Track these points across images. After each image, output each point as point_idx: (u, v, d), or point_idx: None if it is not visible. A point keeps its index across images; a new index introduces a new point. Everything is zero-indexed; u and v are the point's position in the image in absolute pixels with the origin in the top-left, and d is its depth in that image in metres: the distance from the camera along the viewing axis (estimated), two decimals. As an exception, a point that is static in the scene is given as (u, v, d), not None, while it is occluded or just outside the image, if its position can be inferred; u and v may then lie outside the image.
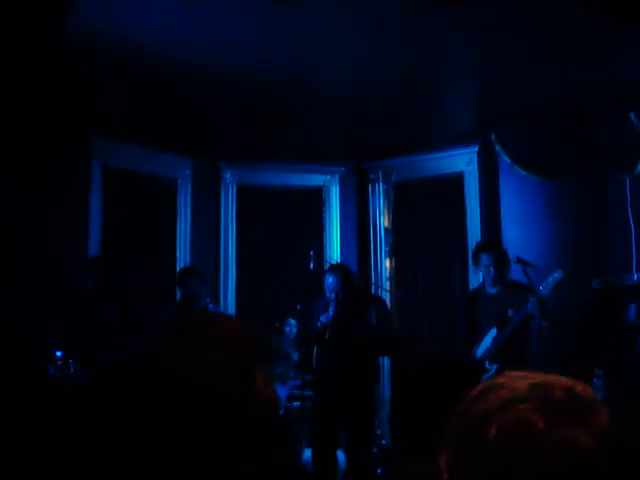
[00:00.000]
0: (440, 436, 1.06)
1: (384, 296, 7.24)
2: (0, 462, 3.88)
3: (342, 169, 8.43)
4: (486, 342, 5.41)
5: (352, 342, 5.57)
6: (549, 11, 4.52)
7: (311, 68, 5.59)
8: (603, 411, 0.96)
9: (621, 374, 5.47)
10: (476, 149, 7.65)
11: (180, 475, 1.48)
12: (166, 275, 7.54)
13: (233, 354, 1.55)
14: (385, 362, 7.72)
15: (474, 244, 6.56)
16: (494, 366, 5.22)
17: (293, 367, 6.95)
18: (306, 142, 7.63)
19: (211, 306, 6.43)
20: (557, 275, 5.18)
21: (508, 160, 7.25)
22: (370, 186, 8.38)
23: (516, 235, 7.01)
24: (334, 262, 7.00)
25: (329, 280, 5.73)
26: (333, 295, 5.67)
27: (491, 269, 5.52)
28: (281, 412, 6.41)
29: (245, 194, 8.28)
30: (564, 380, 1.01)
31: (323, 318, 5.63)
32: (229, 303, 7.98)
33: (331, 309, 5.62)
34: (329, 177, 8.41)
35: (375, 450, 6.40)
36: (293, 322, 7.53)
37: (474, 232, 7.56)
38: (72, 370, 5.07)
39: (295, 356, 7.17)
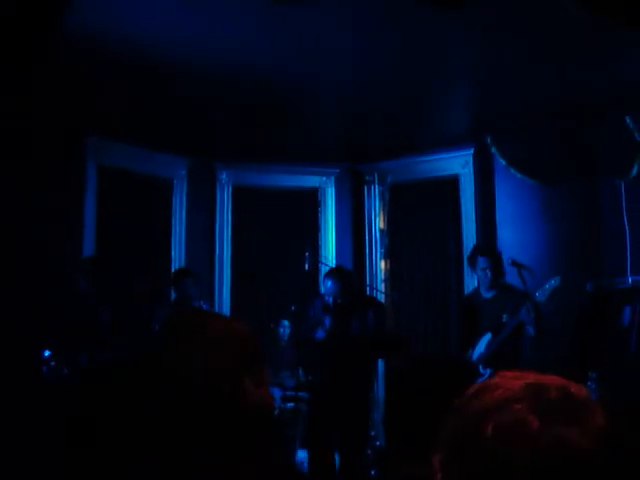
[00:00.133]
0: (434, 437, 1.06)
1: (379, 298, 7.25)
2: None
3: (337, 171, 8.44)
4: (480, 347, 5.41)
5: (349, 345, 5.59)
6: (549, 11, 4.52)
7: (310, 68, 5.59)
8: (598, 411, 0.97)
9: (615, 377, 5.48)
10: (472, 152, 7.67)
11: (180, 475, 1.48)
12: (161, 276, 7.52)
13: (233, 354, 1.54)
14: (379, 364, 7.72)
15: (469, 246, 6.57)
16: (488, 370, 5.22)
17: (287, 368, 6.95)
18: (302, 143, 7.63)
19: (205, 307, 6.41)
20: (554, 282, 5.17)
21: (504, 163, 7.27)
22: (366, 188, 8.38)
23: (511, 238, 7.03)
24: (333, 265, 7.02)
25: (328, 284, 5.77)
26: (331, 299, 5.72)
27: (488, 272, 5.51)
28: (275, 413, 6.40)
29: (240, 195, 8.27)
30: (558, 380, 1.01)
31: (320, 333, 5.67)
32: (223, 304, 7.97)
33: (327, 321, 5.67)
34: (324, 178, 8.41)
35: (369, 451, 6.40)
36: (287, 323, 7.53)
37: (469, 234, 7.58)
38: (65, 371, 5.05)
39: (288, 356, 7.18)
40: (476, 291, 5.81)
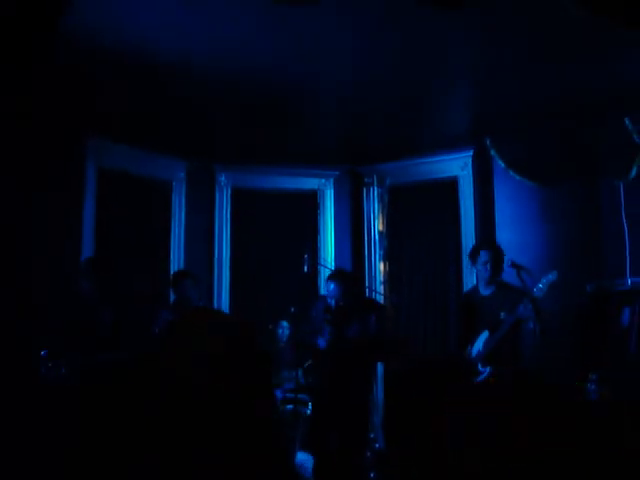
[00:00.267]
0: (433, 440, 1.07)
1: (378, 299, 7.25)
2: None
3: (337, 173, 8.45)
4: (478, 345, 5.40)
5: (349, 348, 5.61)
6: (549, 11, 4.54)
7: (310, 68, 5.59)
8: None
9: (615, 378, 5.48)
10: (471, 154, 7.69)
11: (180, 475, 1.47)
12: (160, 277, 7.51)
13: (237, 355, 1.54)
14: (379, 367, 7.72)
15: (469, 248, 6.57)
16: (487, 368, 5.22)
17: (286, 369, 6.95)
18: (302, 145, 7.64)
19: (205, 309, 6.41)
20: (551, 276, 5.17)
21: (503, 165, 7.28)
22: (365, 190, 8.39)
23: (510, 239, 7.02)
24: (332, 267, 7.02)
25: (330, 286, 5.79)
26: (333, 301, 5.73)
27: (488, 266, 5.49)
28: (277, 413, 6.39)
29: (239, 197, 8.28)
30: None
31: (321, 342, 5.71)
32: (222, 305, 7.97)
33: (326, 331, 5.69)
34: (324, 180, 8.42)
35: (368, 454, 6.39)
36: (285, 324, 7.53)
37: (468, 236, 7.59)
38: (63, 370, 5.03)
39: (287, 357, 7.17)
40: (474, 289, 5.81)
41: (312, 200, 8.45)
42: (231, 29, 4.94)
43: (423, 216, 8.09)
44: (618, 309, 6.25)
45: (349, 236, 8.42)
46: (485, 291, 5.58)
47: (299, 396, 6.63)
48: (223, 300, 8.01)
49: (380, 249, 8.24)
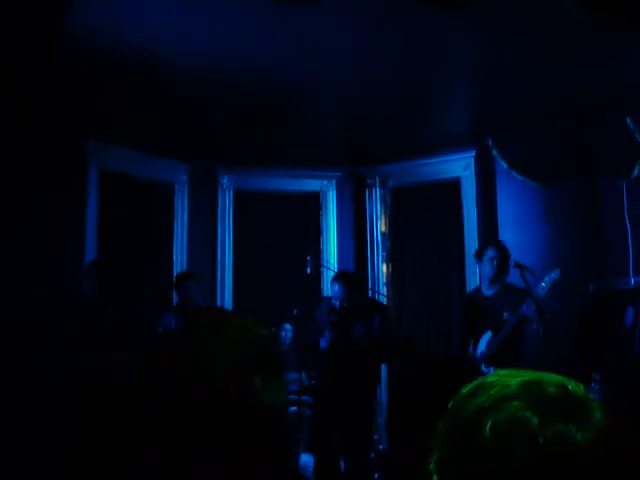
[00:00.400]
0: (434, 439, 1.05)
1: (381, 300, 7.25)
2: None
3: (339, 174, 8.45)
4: (481, 345, 5.39)
5: (352, 349, 5.61)
6: (549, 11, 4.53)
7: (310, 68, 5.59)
8: (597, 408, 0.95)
9: (618, 378, 5.46)
10: (473, 154, 7.68)
11: (180, 475, 1.46)
12: (163, 279, 7.52)
13: (244, 354, 1.53)
14: (382, 369, 7.71)
15: (471, 249, 6.57)
16: (490, 369, 5.21)
17: (290, 371, 6.94)
18: (303, 147, 7.63)
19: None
20: (554, 275, 5.15)
21: (505, 165, 7.28)
22: (367, 191, 8.39)
23: (513, 239, 6.98)
24: (335, 269, 7.03)
25: (335, 288, 5.81)
26: (337, 302, 5.74)
27: (495, 263, 5.46)
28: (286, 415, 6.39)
29: (242, 199, 8.28)
30: (556, 377, 1.00)
31: (322, 342, 5.70)
32: (225, 307, 7.96)
33: (328, 333, 5.70)
34: (326, 182, 8.42)
35: (372, 455, 6.38)
36: (289, 327, 7.53)
37: (471, 237, 7.58)
38: (64, 371, 5.04)
39: (291, 359, 7.16)
40: (477, 289, 5.79)
41: (314, 201, 8.44)
42: (231, 29, 4.94)
43: (426, 217, 8.08)
44: (621, 309, 6.23)
45: (352, 237, 8.42)
46: (488, 291, 5.56)
47: (303, 398, 6.63)
48: (226, 302, 8.01)
49: (383, 250, 8.24)
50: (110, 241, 7.18)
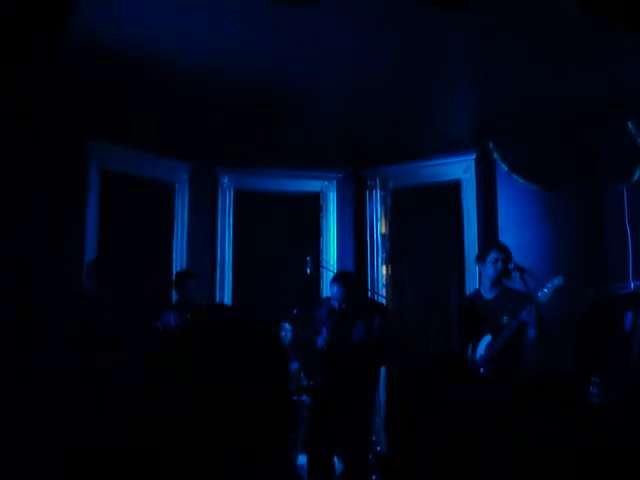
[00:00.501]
0: (434, 444, 1.06)
1: (381, 301, 7.25)
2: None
3: (340, 175, 8.46)
4: (480, 349, 5.37)
5: (351, 350, 5.61)
6: (549, 11, 4.52)
7: (310, 68, 5.59)
8: None
9: (617, 381, 5.45)
10: (474, 157, 7.69)
11: (183, 471, 1.47)
12: (162, 279, 7.52)
13: (257, 353, 1.53)
14: (381, 369, 7.70)
15: (471, 251, 6.57)
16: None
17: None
18: (304, 147, 7.64)
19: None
20: (557, 281, 5.10)
21: (505, 168, 7.28)
22: (367, 192, 8.40)
23: (513, 242, 6.94)
24: (335, 270, 7.03)
25: (334, 289, 5.80)
26: (336, 304, 5.74)
27: (499, 264, 5.42)
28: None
29: (242, 199, 8.30)
30: None
31: (320, 341, 5.73)
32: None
33: (324, 332, 5.71)
34: (326, 183, 8.43)
35: (370, 456, 6.37)
36: (288, 327, 7.52)
37: (471, 239, 7.58)
38: (64, 370, 5.05)
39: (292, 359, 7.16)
40: (477, 292, 5.76)
41: (315, 202, 8.45)
42: (231, 29, 4.94)
43: (426, 219, 8.09)
44: (621, 313, 6.22)
45: (352, 238, 8.43)
46: (489, 294, 5.53)
47: (301, 398, 6.62)
48: (225, 302, 8.01)
49: (383, 252, 8.24)
50: (110, 240, 7.20)
